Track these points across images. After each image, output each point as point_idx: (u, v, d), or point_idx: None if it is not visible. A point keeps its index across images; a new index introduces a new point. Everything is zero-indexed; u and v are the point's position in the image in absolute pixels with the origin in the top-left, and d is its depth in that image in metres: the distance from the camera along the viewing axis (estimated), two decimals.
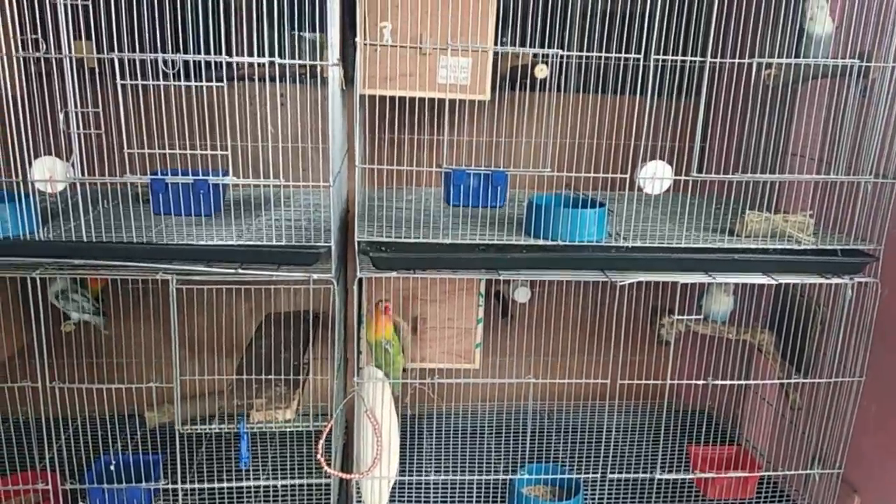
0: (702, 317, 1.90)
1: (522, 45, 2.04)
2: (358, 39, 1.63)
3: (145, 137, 1.58)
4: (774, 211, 1.78)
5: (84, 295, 1.89)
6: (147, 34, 1.76)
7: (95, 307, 1.92)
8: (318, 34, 1.89)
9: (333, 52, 1.52)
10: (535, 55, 2.02)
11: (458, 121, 2.21)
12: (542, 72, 1.89)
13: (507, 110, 2.20)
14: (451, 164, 2.17)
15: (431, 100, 1.93)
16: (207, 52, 1.33)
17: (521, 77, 1.99)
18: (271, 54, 1.43)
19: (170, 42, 1.84)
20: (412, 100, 1.79)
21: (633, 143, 2.14)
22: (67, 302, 1.87)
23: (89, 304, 1.91)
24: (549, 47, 2.13)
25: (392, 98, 1.84)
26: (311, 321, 2.10)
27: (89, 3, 1.41)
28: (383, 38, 1.69)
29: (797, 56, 1.67)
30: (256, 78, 1.89)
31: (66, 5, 1.33)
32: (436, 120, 2.16)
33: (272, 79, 1.92)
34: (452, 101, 2.11)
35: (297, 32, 1.94)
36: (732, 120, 1.77)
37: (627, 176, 1.59)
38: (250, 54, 1.57)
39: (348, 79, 1.91)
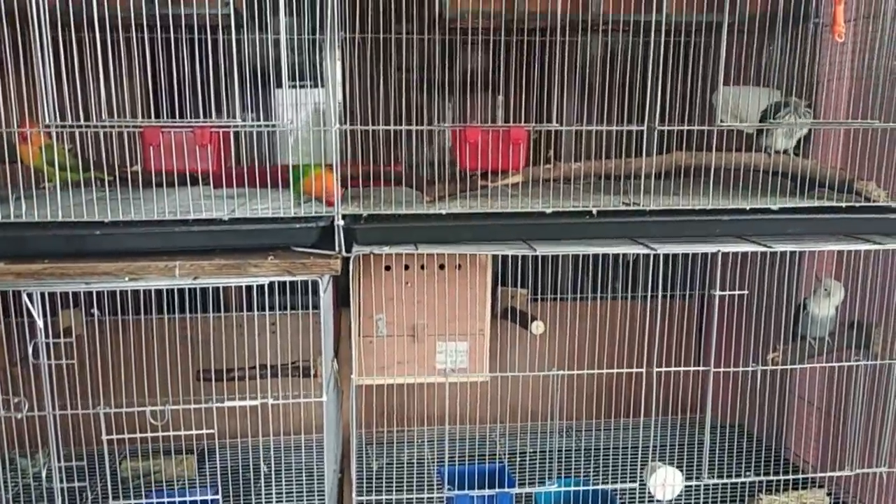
0: None
1: (515, 286, 2.04)
2: (352, 337, 1.60)
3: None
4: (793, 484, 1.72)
5: None
6: None
7: None
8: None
9: (325, 367, 1.48)
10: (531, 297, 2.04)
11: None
12: (538, 328, 1.87)
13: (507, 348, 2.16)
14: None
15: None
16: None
17: (517, 320, 1.97)
18: None
19: None
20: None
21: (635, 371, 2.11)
22: None
23: None
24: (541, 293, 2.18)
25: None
26: None
27: None
28: (378, 329, 1.67)
29: (798, 333, 1.65)
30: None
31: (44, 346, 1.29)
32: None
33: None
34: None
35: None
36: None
37: (637, 485, 1.54)
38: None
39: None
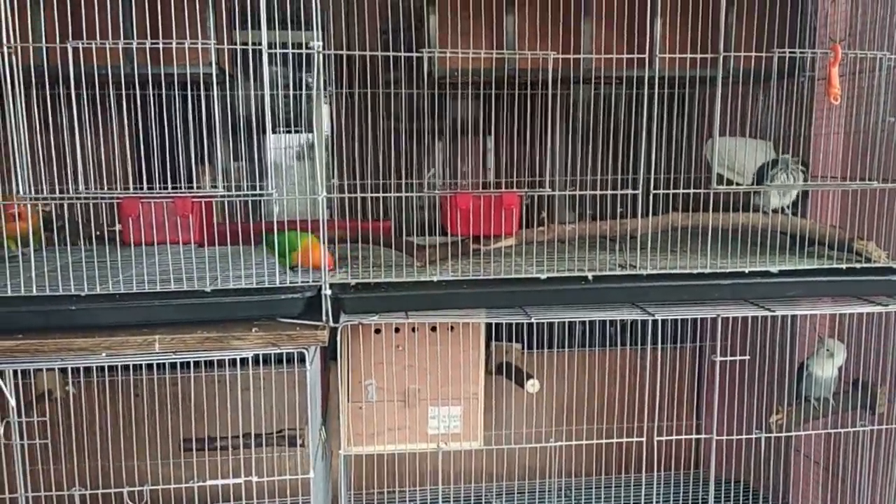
0: None
1: (509, 340, 1.99)
2: (341, 404, 1.54)
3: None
4: None
5: None
6: None
7: None
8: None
9: (313, 440, 1.42)
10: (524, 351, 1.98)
11: None
12: (534, 387, 1.81)
13: (503, 405, 2.11)
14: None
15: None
16: None
17: (511, 375, 1.91)
18: None
19: None
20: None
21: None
22: None
23: None
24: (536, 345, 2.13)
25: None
26: None
27: None
28: (368, 395, 1.61)
29: (799, 393, 1.60)
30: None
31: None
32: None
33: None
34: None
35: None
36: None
37: None
38: None
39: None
